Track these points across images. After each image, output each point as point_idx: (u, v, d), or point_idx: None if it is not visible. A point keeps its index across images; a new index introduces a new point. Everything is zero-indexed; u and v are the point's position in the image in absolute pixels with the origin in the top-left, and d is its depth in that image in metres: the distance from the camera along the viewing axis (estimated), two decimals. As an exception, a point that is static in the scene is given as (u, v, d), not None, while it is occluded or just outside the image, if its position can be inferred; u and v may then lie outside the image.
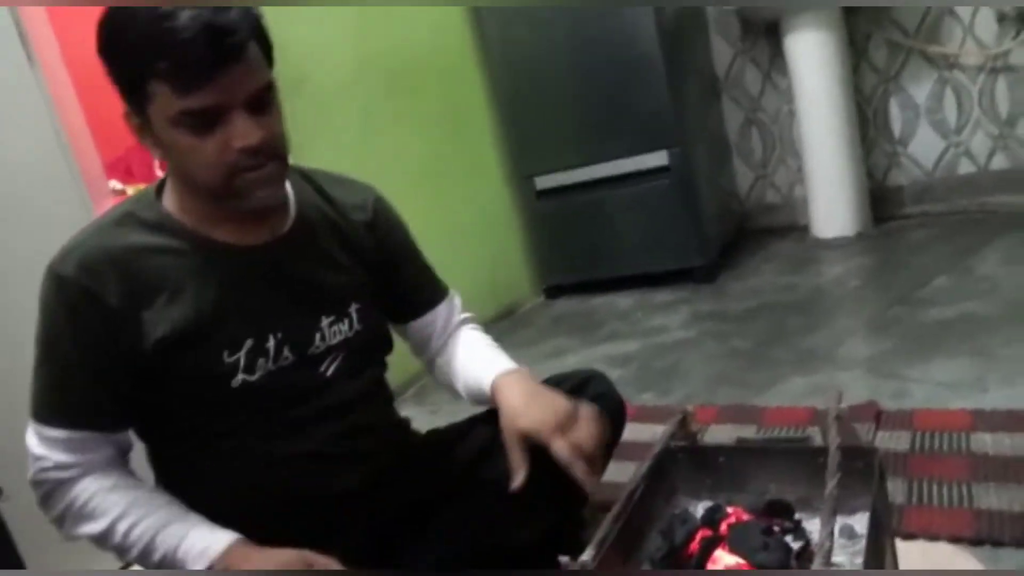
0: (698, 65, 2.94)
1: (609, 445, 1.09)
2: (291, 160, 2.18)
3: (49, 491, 0.89)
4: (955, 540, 1.12)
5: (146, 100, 0.83)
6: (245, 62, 0.83)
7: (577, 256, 2.91)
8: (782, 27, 2.73)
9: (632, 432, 1.68)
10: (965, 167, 2.83)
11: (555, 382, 1.10)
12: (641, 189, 2.70)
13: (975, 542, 1.11)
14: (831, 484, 0.76)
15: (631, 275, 2.82)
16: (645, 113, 2.62)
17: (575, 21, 2.62)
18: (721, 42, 3.07)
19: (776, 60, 2.95)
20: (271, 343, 0.93)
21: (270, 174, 0.89)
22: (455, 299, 1.21)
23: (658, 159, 2.64)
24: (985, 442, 1.35)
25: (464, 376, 1.12)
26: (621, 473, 1.49)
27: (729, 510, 0.89)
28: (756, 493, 0.95)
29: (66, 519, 0.89)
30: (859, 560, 0.81)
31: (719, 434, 1.55)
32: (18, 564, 0.93)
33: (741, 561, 0.81)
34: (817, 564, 0.69)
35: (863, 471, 0.87)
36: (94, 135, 1.73)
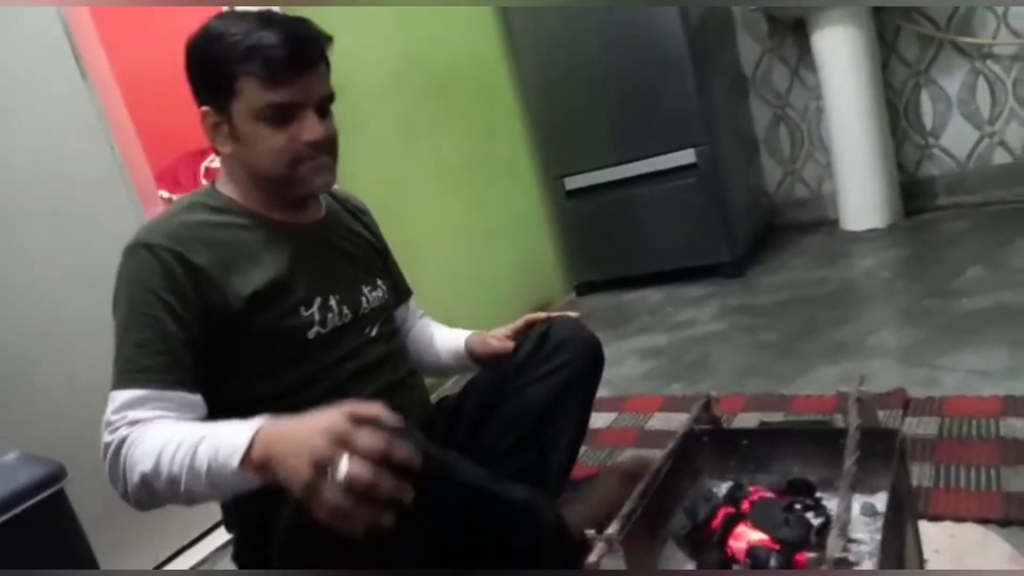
0: (725, 63, 2.96)
1: (590, 381, 1.24)
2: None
3: (117, 447, 0.87)
4: (983, 521, 1.13)
5: (232, 96, 1.00)
6: (319, 71, 1.03)
7: (607, 253, 2.95)
8: (809, 24, 2.73)
9: (661, 422, 1.74)
10: (1000, 157, 2.79)
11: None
12: (669, 187, 2.72)
13: (1003, 523, 1.12)
14: (850, 461, 0.79)
15: (661, 271, 2.85)
16: (672, 112, 2.64)
17: (603, 22, 2.65)
18: (748, 40, 3.08)
19: (804, 57, 2.95)
20: (333, 302, 1.09)
21: (326, 164, 1.06)
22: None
23: (686, 157, 2.66)
24: (1015, 427, 1.35)
25: (442, 347, 1.35)
26: (649, 459, 1.54)
27: (751, 488, 0.92)
28: (779, 474, 0.98)
29: (126, 471, 0.85)
30: (879, 537, 0.84)
31: (747, 422, 1.57)
32: (85, 546, 0.99)
33: (763, 536, 0.84)
34: (833, 536, 0.72)
35: (884, 452, 0.90)
36: (144, 147, 1.82)
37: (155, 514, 1.66)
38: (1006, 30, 2.64)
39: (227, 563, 1.59)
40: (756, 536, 0.85)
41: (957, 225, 2.66)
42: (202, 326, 0.96)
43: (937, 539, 1.10)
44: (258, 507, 0.89)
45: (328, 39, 1.05)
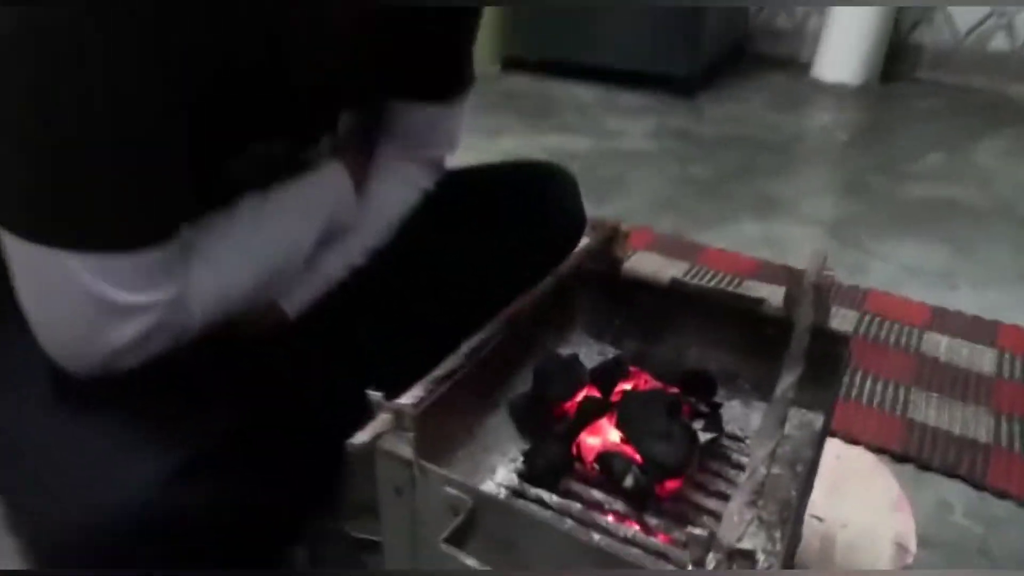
0: None
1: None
2: None
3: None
4: (879, 450, 0.95)
5: None
6: None
7: (548, 29, 2.50)
8: None
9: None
10: (999, 43, 2.49)
11: (509, 169, 0.81)
12: (642, -34, 2.26)
13: (899, 458, 0.94)
14: (791, 377, 0.53)
15: (602, 66, 2.45)
16: None
17: None
18: None
19: None
20: None
21: None
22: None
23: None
24: (938, 344, 1.16)
25: None
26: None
27: (632, 369, 0.65)
28: (672, 348, 0.72)
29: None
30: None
31: (646, 263, 1.32)
32: None
33: (626, 445, 0.59)
34: (746, 478, 0.47)
35: (821, 357, 0.64)
36: None
37: None
38: None
39: None
40: (616, 437, 0.59)
41: (929, 103, 2.40)
42: None
43: (822, 459, 0.90)
44: None
45: None
